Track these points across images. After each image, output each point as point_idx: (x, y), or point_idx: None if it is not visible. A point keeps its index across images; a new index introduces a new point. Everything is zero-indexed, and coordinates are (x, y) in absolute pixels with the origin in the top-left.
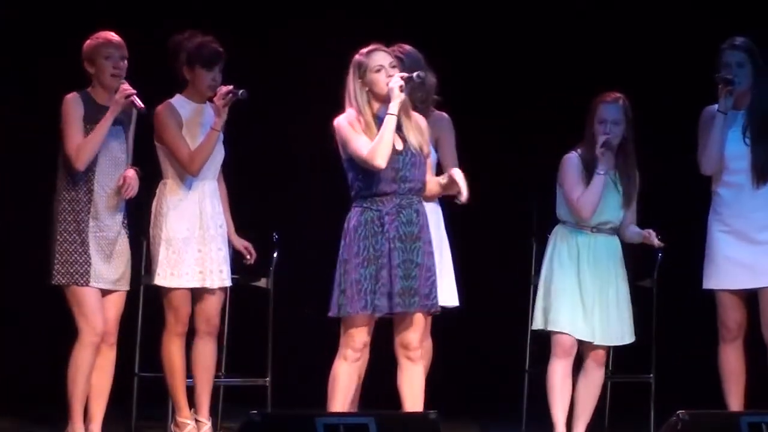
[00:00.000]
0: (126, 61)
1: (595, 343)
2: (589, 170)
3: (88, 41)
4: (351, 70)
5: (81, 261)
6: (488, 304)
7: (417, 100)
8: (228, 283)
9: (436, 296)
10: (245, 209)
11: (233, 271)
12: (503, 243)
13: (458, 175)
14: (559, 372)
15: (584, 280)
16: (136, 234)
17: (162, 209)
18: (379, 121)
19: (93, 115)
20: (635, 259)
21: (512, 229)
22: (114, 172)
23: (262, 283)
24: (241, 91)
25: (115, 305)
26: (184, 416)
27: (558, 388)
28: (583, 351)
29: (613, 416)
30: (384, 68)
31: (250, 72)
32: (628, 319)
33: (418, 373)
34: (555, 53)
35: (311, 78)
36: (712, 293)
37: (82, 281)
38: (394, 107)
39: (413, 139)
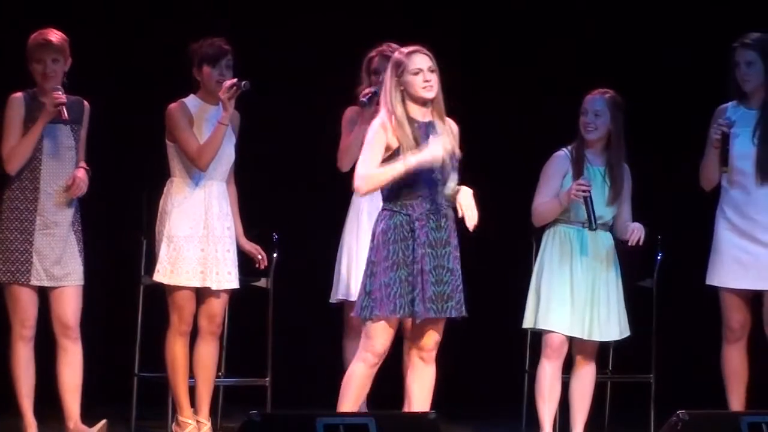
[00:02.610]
0: (59, 63)
1: (584, 339)
2: (577, 166)
3: (29, 39)
4: (389, 68)
5: (22, 259)
6: (488, 304)
7: None
8: (235, 285)
9: (462, 301)
10: (245, 209)
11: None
12: (503, 242)
13: (464, 199)
14: (548, 373)
15: (575, 277)
16: (136, 233)
17: (167, 207)
18: (413, 124)
19: (37, 114)
20: (635, 259)
21: (512, 228)
22: (62, 171)
23: (262, 283)
24: (243, 83)
25: (71, 300)
26: (186, 416)
27: (546, 389)
28: (572, 349)
29: (613, 416)
30: (422, 72)
31: (249, 72)
32: (621, 314)
33: (429, 373)
34: (557, 54)
35: (311, 78)
36: (714, 293)
37: (22, 279)
38: (411, 160)
39: (447, 143)
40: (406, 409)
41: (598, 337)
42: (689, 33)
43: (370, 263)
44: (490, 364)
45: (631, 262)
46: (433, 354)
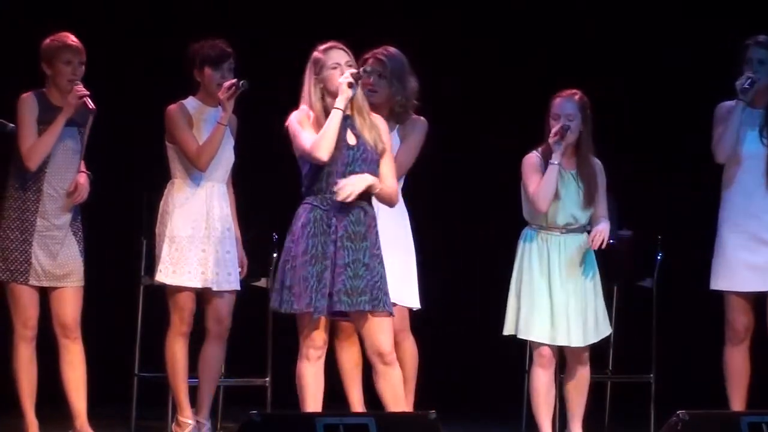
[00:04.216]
0: (83, 66)
1: (572, 346)
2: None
3: (47, 42)
4: (308, 66)
5: (21, 259)
6: (488, 305)
7: (397, 104)
8: (236, 286)
9: (381, 297)
10: (245, 209)
11: None
12: (502, 242)
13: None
14: (543, 380)
15: (555, 283)
16: (136, 234)
17: (168, 207)
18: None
19: (47, 115)
20: (635, 259)
21: (512, 229)
22: (66, 173)
23: (262, 283)
24: (242, 82)
25: (70, 301)
26: (186, 416)
27: (543, 396)
28: (564, 351)
29: (613, 416)
30: (340, 66)
31: (249, 73)
32: (600, 315)
33: (396, 375)
34: (558, 54)
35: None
36: (715, 294)
37: (21, 279)
38: (340, 102)
39: (368, 135)
40: None
41: (579, 343)
42: (689, 33)
43: (290, 257)
44: (490, 365)
45: (631, 263)
46: (394, 354)
